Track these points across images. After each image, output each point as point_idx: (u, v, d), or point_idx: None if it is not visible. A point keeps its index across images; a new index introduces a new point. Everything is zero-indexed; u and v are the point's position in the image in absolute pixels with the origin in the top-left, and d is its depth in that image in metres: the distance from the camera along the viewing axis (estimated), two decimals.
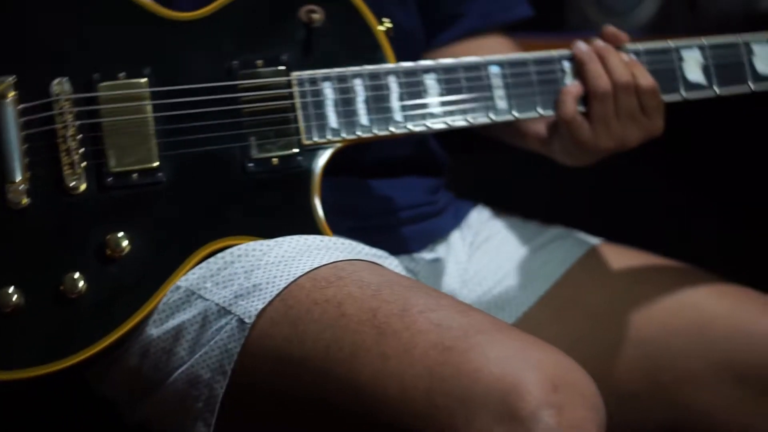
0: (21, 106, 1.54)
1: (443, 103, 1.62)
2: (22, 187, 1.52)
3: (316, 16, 1.61)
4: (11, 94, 1.53)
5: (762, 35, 1.71)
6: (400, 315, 1.39)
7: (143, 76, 1.57)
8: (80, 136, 1.54)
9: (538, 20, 1.91)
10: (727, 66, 1.69)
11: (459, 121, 1.63)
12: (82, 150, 1.54)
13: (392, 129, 1.61)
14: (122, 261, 1.53)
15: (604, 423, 1.36)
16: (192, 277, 1.54)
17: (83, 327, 1.51)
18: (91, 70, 1.56)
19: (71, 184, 1.53)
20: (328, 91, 1.60)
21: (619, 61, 1.63)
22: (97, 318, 1.52)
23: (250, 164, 1.57)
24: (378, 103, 1.60)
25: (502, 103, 1.64)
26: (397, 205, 1.74)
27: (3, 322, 1.50)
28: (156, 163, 1.55)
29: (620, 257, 1.80)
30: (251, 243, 1.54)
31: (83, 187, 1.54)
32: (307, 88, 1.59)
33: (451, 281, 1.77)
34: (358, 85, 1.60)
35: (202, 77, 1.58)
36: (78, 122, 1.54)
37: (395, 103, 1.61)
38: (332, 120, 1.59)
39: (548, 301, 1.77)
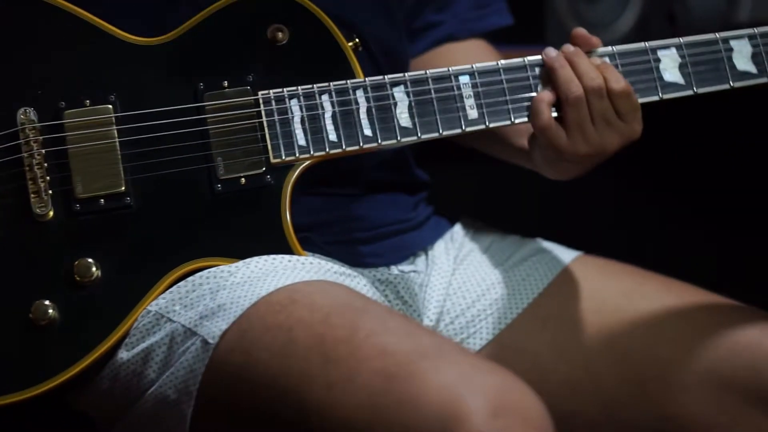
0: None
1: (413, 116, 1.60)
2: None
3: (280, 35, 1.61)
4: None
5: (741, 32, 1.67)
6: (347, 341, 1.39)
7: (108, 103, 1.57)
8: (46, 163, 1.54)
9: (518, 33, 1.89)
10: (706, 63, 1.66)
11: (430, 133, 1.61)
12: (48, 177, 1.54)
13: (361, 144, 1.59)
14: (92, 287, 1.53)
15: None
16: (162, 301, 1.54)
17: (53, 354, 1.51)
18: (57, 98, 1.57)
19: (39, 212, 1.54)
20: (295, 109, 1.59)
21: (589, 65, 1.60)
22: (68, 345, 1.52)
23: (218, 185, 1.57)
24: (346, 118, 1.59)
25: (473, 113, 1.62)
26: (373, 222, 1.72)
27: None
28: (123, 188, 1.55)
29: (604, 269, 1.78)
30: (221, 266, 1.54)
31: (51, 214, 1.54)
32: (274, 106, 1.59)
33: (435, 294, 1.75)
34: (326, 101, 1.59)
35: (167, 101, 1.58)
36: (44, 150, 1.55)
37: (364, 117, 1.60)
38: (300, 137, 1.58)
39: (534, 311, 1.75)
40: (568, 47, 1.62)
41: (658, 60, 1.65)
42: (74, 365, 1.51)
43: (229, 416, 1.48)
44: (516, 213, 2.03)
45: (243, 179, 1.57)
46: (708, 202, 2.34)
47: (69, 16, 1.60)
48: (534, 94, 1.62)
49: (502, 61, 1.63)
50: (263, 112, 1.58)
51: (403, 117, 1.60)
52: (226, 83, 1.59)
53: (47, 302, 1.51)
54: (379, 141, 1.60)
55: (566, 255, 1.81)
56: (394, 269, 1.72)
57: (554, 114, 1.60)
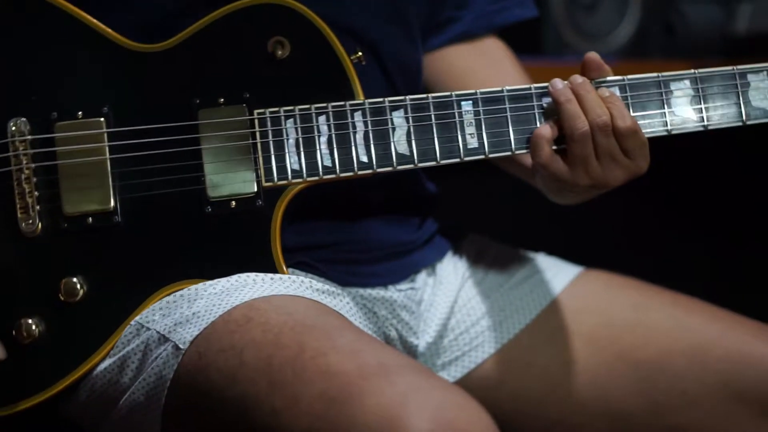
0: None
1: (411, 143, 1.56)
2: None
3: (280, 50, 1.56)
4: None
5: (759, 66, 1.61)
6: (292, 362, 1.40)
7: (101, 115, 1.54)
8: (36, 179, 1.53)
9: (516, 43, 1.83)
10: (720, 98, 1.60)
11: (428, 162, 1.57)
12: (37, 193, 1.53)
13: (356, 170, 1.56)
14: (77, 306, 1.53)
15: None
16: (143, 312, 1.54)
17: (35, 373, 1.52)
18: (50, 108, 1.54)
19: (26, 228, 1.52)
20: (291, 130, 1.55)
21: (596, 99, 1.55)
22: (50, 364, 1.52)
23: (208, 207, 1.54)
24: (342, 142, 1.55)
25: (473, 142, 1.57)
26: (375, 245, 1.69)
27: None
28: (111, 207, 1.53)
29: (610, 283, 1.78)
30: (203, 283, 1.54)
31: (38, 231, 1.53)
32: (269, 127, 1.55)
33: (439, 312, 1.74)
34: (323, 123, 1.56)
35: (161, 115, 1.55)
36: (33, 165, 1.53)
37: (360, 142, 1.56)
38: (293, 161, 1.55)
39: (540, 326, 1.74)
40: (576, 78, 1.57)
41: (670, 93, 1.59)
42: (53, 385, 1.52)
43: (195, 429, 1.50)
44: (521, 226, 2.01)
45: (233, 202, 1.55)
46: (712, 215, 2.30)
47: (64, 15, 1.56)
48: (537, 125, 1.57)
49: (507, 88, 1.58)
50: (258, 133, 1.55)
51: (401, 143, 1.56)
52: (222, 100, 1.55)
53: (31, 321, 1.51)
54: (375, 168, 1.56)
55: (571, 270, 1.80)
56: (392, 288, 1.70)
57: (557, 147, 1.56)
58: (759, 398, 1.66)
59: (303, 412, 1.37)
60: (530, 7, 1.85)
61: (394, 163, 1.56)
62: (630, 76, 1.60)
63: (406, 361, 1.42)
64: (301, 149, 1.55)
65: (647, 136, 1.57)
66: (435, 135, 1.57)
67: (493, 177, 1.84)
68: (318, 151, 1.55)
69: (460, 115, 1.57)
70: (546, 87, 1.58)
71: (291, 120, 1.55)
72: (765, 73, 1.61)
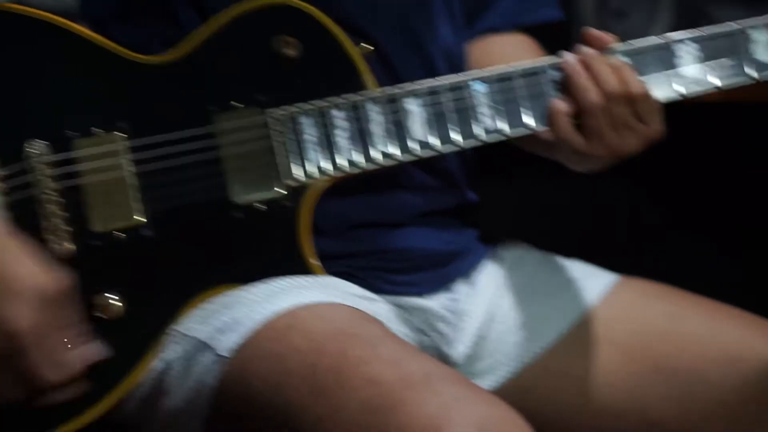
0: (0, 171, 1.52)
1: (428, 128, 1.57)
2: None
3: (289, 49, 1.57)
4: None
5: (761, 19, 1.63)
6: (335, 371, 1.41)
7: (119, 130, 1.54)
8: (61, 199, 1.52)
9: (544, 48, 1.83)
10: (726, 56, 1.62)
11: (449, 146, 1.58)
12: (63, 214, 1.52)
13: (378, 160, 1.56)
14: (115, 321, 1.52)
15: None
16: (182, 319, 1.54)
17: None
18: (66, 127, 1.54)
19: (57, 250, 1.52)
20: (309, 128, 1.56)
21: (606, 69, 1.56)
22: (94, 381, 1.51)
23: (235, 211, 1.55)
24: (360, 134, 1.56)
25: (490, 123, 1.58)
26: (414, 254, 1.68)
27: None
28: (140, 220, 1.53)
29: (647, 292, 1.77)
30: (240, 289, 1.54)
31: (68, 251, 1.52)
32: (286, 126, 1.56)
33: (475, 321, 1.73)
34: (338, 117, 1.56)
35: (178, 125, 1.55)
36: (57, 185, 1.52)
37: (378, 132, 1.57)
38: (314, 157, 1.56)
39: (576, 336, 1.73)
40: (585, 50, 1.58)
41: (676, 55, 1.61)
42: (98, 403, 1.52)
43: None
44: (557, 232, 2.01)
45: (260, 204, 1.55)
46: (727, 212, 2.31)
47: (73, 36, 1.57)
48: (552, 99, 1.58)
49: (518, 66, 1.59)
50: (276, 134, 1.55)
51: (419, 130, 1.57)
52: (236, 104, 1.56)
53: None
54: (398, 157, 1.57)
55: (607, 278, 1.79)
56: (428, 297, 1.69)
57: (575, 121, 1.58)
58: None
59: (346, 421, 1.38)
60: (556, 9, 1.85)
61: (417, 151, 1.57)
62: (635, 41, 1.61)
63: (448, 371, 1.44)
64: (321, 145, 1.56)
65: (660, 101, 1.59)
66: (452, 119, 1.58)
67: (530, 183, 1.86)
68: (338, 146, 1.56)
69: (474, 97, 1.58)
70: (555, 61, 1.60)
71: (307, 117, 1.56)
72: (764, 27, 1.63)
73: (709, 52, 1.62)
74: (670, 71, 1.61)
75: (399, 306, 1.66)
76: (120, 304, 1.52)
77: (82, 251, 1.53)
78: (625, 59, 1.60)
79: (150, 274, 1.54)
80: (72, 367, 1.47)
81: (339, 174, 1.56)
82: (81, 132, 1.54)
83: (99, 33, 1.58)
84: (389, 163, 1.57)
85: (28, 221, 1.52)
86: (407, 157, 1.57)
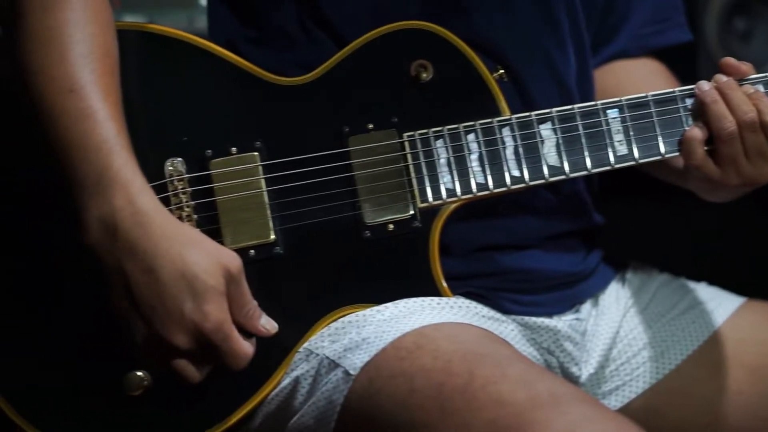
0: None
1: (561, 154, 1.58)
2: None
3: (424, 73, 1.58)
4: None
5: None
6: (463, 390, 1.41)
7: (254, 150, 1.56)
8: (196, 216, 1.55)
9: (670, 70, 1.83)
10: None
11: (579, 171, 1.58)
12: (198, 230, 1.54)
13: (509, 185, 1.57)
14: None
15: None
16: (311, 338, 1.56)
17: (209, 407, 1.54)
18: (203, 146, 1.56)
19: None
20: (441, 150, 1.57)
21: (742, 97, 1.55)
22: (223, 396, 1.54)
23: (366, 231, 1.56)
24: (493, 158, 1.57)
25: (622, 149, 1.58)
26: (540, 276, 1.68)
27: (133, 405, 1.53)
28: (272, 238, 1.55)
29: None
30: (370, 309, 1.56)
31: None
32: (420, 148, 1.57)
33: (601, 342, 1.73)
34: (472, 140, 1.57)
35: (312, 145, 1.57)
36: (193, 202, 1.55)
37: (511, 157, 1.57)
38: (447, 179, 1.57)
39: (701, 358, 1.73)
40: (721, 78, 1.57)
41: None
42: (228, 418, 1.54)
43: None
44: (683, 254, 2.00)
45: (391, 225, 1.56)
46: None
47: (214, 57, 1.59)
48: (685, 128, 1.58)
49: (652, 93, 1.59)
50: (409, 156, 1.57)
51: (551, 155, 1.58)
52: (371, 125, 1.57)
53: None
54: (528, 181, 1.57)
55: (733, 301, 1.78)
56: (556, 318, 1.69)
57: (708, 148, 1.57)
58: None
59: None
60: (686, 31, 1.85)
61: (546, 176, 1.58)
62: None
63: (575, 391, 1.43)
64: (453, 168, 1.57)
65: None
66: (584, 145, 1.58)
67: (655, 205, 1.84)
68: (470, 169, 1.57)
69: (607, 123, 1.58)
70: (689, 89, 1.59)
71: (440, 140, 1.57)
72: None
73: None
74: None
75: (526, 326, 1.67)
76: None
77: None
78: (761, 87, 1.58)
79: (280, 292, 1.56)
80: (241, 359, 1.46)
81: (469, 197, 1.57)
82: (218, 152, 1.56)
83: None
84: (519, 187, 1.58)
85: None
86: (537, 182, 1.58)
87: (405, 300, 1.56)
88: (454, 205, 1.57)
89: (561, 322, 1.69)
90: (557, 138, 1.58)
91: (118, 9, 2.08)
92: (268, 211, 1.55)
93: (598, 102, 1.59)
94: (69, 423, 1.55)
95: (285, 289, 1.56)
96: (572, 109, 1.58)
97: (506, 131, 1.58)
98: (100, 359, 1.54)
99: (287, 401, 1.56)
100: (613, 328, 1.74)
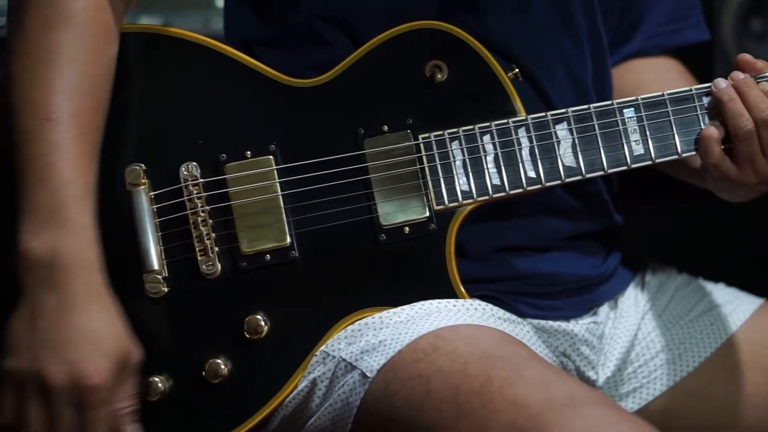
0: (152, 193, 1.55)
1: (577, 154, 1.57)
2: (160, 275, 1.54)
3: (439, 74, 1.57)
4: (143, 182, 1.54)
5: None
6: (480, 392, 1.40)
7: (269, 153, 1.56)
8: (211, 220, 1.55)
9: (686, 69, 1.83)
10: None
11: (595, 172, 1.57)
12: (214, 235, 1.54)
13: (525, 186, 1.56)
14: (261, 342, 1.54)
15: None
16: (329, 341, 1.56)
17: (226, 412, 1.53)
18: (218, 150, 1.56)
19: (206, 270, 1.54)
20: (457, 152, 1.56)
21: (759, 95, 1.54)
22: (240, 401, 1.54)
23: (382, 235, 1.55)
24: (508, 159, 1.56)
25: (639, 148, 1.57)
26: (559, 280, 1.67)
27: (150, 410, 1.52)
28: (288, 242, 1.55)
29: None
30: (387, 311, 1.55)
31: (218, 271, 1.54)
32: (435, 150, 1.56)
33: (619, 345, 1.73)
34: (488, 142, 1.56)
35: (327, 148, 1.56)
36: (208, 207, 1.55)
37: (527, 158, 1.56)
38: (462, 182, 1.56)
39: (719, 360, 1.72)
40: (738, 75, 1.56)
41: None
42: (245, 422, 1.53)
43: None
44: (702, 255, 1.99)
45: (407, 228, 1.56)
46: None
47: (229, 59, 1.59)
48: (702, 126, 1.56)
49: (668, 92, 1.58)
50: (425, 158, 1.56)
51: (567, 156, 1.57)
52: (386, 127, 1.57)
53: (219, 360, 1.53)
54: (544, 182, 1.56)
55: (752, 302, 1.77)
56: (573, 322, 1.68)
57: (724, 147, 1.55)
58: None
59: None
60: (704, 30, 1.84)
61: (562, 176, 1.57)
62: None
63: (593, 394, 1.42)
64: (469, 170, 1.56)
65: None
66: (600, 145, 1.57)
67: (673, 205, 1.83)
68: (486, 171, 1.56)
69: (623, 122, 1.57)
70: (706, 87, 1.58)
71: (456, 142, 1.56)
72: None
73: None
74: None
75: (543, 329, 1.66)
76: (267, 324, 1.54)
77: (231, 271, 1.55)
78: None
79: (296, 296, 1.55)
80: None
81: (485, 199, 1.56)
82: (233, 155, 1.56)
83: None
84: (535, 188, 1.57)
85: (182, 241, 1.55)
86: (553, 183, 1.57)
87: (421, 302, 1.55)
88: (469, 207, 1.56)
89: (578, 326, 1.68)
90: (573, 138, 1.57)
91: (135, 10, 2.08)
92: (284, 215, 1.55)
93: (614, 101, 1.58)
94: None
95: (301, 293, 1.55)
96: (588, 108, 1.57)
97: (522, 132, 1.57)
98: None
99: (304, 404, 1.56)
100: (632, 331, 1.73)
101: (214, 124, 1.57)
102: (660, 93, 1.58)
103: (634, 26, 1.79)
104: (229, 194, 1.55)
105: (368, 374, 1.50)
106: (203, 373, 1.53)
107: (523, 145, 1.57)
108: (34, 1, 1.46)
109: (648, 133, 1.57)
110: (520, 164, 1.56)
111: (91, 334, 1.40)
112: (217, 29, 1.67)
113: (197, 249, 1.54)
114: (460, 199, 1.56)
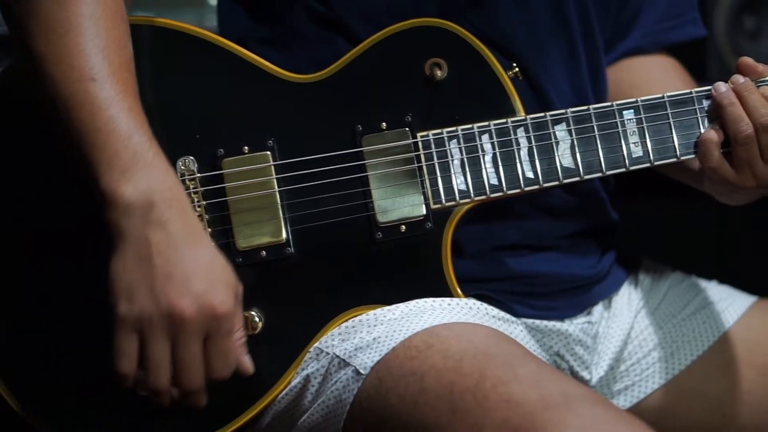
0: None
1: (575, 156, 1.56)
2: None
3: (438, 72, 1.56)
4: None
5: None
6: (474, 390, 1.39)
7: (267, 149, 1.55)
8: (207, 215, 1.54)
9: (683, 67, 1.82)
10: None
11: (593, 174, 1.57)
12: (210, 230, 1.54)
13: (523, 187, 1.56)
14: (257, 338, 1.53)
15: None
16: (322, 338, 1.55)
17: (219, 408, 1.52)
18: (215, 145, 1.55)
19: None
20: (455, 151, 1.56)
21: (759, 99, 1.54)
22: (234, 397, 1.53)
23: (378, 233, 1.55)
24: (507, 159, 1.56)
25: (637, 150, 1.57)
26: (554, 280, 1.67)
27: (138, 404, 1.51)
28: (284, 238, 1.54)
29: None
30: (381, 309, 1.55)
31: None
32: (433, 149, 1.55)
33: (612, 345, 1.73)
34: (486, 141, 1.56)
35: (325, 144, 1.55)
36: (205, 202, 1.54)
37: (525, 158, 1.56)
38: (460, 181, 1.55)
39: (712, 358, 1.72)
40: (738, 79, 1.56)
41: None
42: (238, 419, 1.53)
43: None
44: (695, 253, 1.99)
45: (403, 226, 1.55)
46: None
47: (224, 52, 1.58)
48: (701, 129, 1.56)
49: (668, 94, 1.57)
50: (422, 156, 1.55)
51: (565, 157, 1.56)
52: (384, 125, 1.56)
53: None
54: (541, 183, 1.56)
55: (745, 300, 1.77)
56: (568, 322, 1.68)
57: (724, 150, 1.55)
58: None
59: None
60: (700, 26, 1.83)
61: (560, 177, 1.56)
62: None
63: (587, 392, 1.42)
64: (467, 169, 1.55)
65: None
66: (599, 146, 1.56)
67: (668, 203, 1.83)
68: (483, 170, 1.55)
69: (623, 124, 1.57)
70: (706, 90, 1.57)
71: (454, 140, 1.56)
72: None
73: None
74: None
75: (537, 329, 1.66)
76: (262, 321, 1.53)
77: None
78: None
79: (292, 293, 1.55)
80: (231, 368, 1.45)
81: (482, 198, 1.56)
82: (230, 150, 1.55)
83: None
84: (532, 189, 1.56)
85: None
86: (551, 183, 1.56)
87: (416, 300, 1.55)
88: (466, 207, 1.56)
89: (572, 326, 1.68)
90: (572, 139, 1.56)
91: (130, 7, 2.06)
92: (281, 212, 1.54)
93: (614, 103, 1.57)
94: (76, 422, 1.54)
95: (296, 289, 1.55)
96: (587, 109, 1.57)
97: (521, 132, 1.56)
98: (109, 358, 1.53)
99: (297, 400, 1.55)
100: (625, 330, 1.73)
101: (212, 119, 1.56)
102: (660, 95, 1.57)
103: (630, 23, 1.78)
104: (225, 189, 1.54)
105: (362, 371, 1.49)
106: None
107: (521, 145, 1.56)
108: None
109: (647, 135, 1.57)
110: (518, 164, 1.56)
111: (209, 265, 1.41)
112: (210, 27, 1.67)
113: None
114: (458, 198, 1.55)
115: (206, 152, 1.55)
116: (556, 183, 1.56)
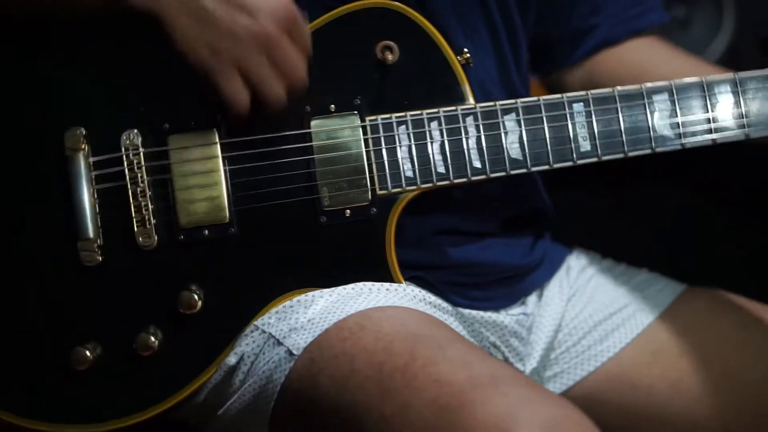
0: (92, 159, 1.52)
1: (524, 147, 1.55)
2: (95, 244, 1.51)
3: (390, 55, 1.55)
4: (82, 146, 1.51)
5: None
6: (403, 370, 1.40)
7: (213, 126, 1.53)
8: (150, 192, 1.52)
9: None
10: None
11: (540, 165, 1.56)
12: (152, 206, 1.52)
13: (470, 176, 1.55)
14: (195, 317, 1.52)
15: None
16: (261, 317, 1.55)
17: (155, 385, 1.52)
18: (162, 119, 1.53)
19: (143, 242, 1.52)
20: (403, 137, 1.55)
21: None
22: (170, 375, 1.52)
23: (323, 217, 1.54)
24: (455, 147, 1.55)
25: (585, 144, 1.56)
26: (489, 269, 1.68)
27: (79, 379, 1.51)
28: (227, 218, 1.53)
29: (715, 301, 1.76)
30: (320, 291, 1.54)
31: (155, 243, 1.52)
32: (381, 133, 1.54)
33: (544, 335, 1.74)
34: (435, 128, 1.55)
35: (273, 124, 1.54)
36: (148, 178, 1.52)
37: (473, 147, 1.55)
38: (407, 168, 1.54)
39: (642, 345, 1.73)
40: None
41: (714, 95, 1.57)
42: (172, 396, 1.53)
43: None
44: (625, 239, 1.99)
45: (348, 211, 1.54)
46: None
47: None
48: (649, 124, 1.56)
49: (619, 88, 1.57)
50: (370, 140, 1.54)
51: (513, 148, 1.56)
52: (333, 107, 1.55)
53: (151, 333, 1.51)
54: (488, 173, 1.55)
55: (675, 287, 1.78)
56: (503, 313, 1.69)
57: None
58: None
59: (413, 420, 1.36)
60: (663, 12, 1.84)
61: (507, 168, 1.56)
62: (676, 81, 1.58)
63: (516, 374, 1.43)
64: (414, 156, 1.54)
65: (693, 144, 1.57)
66: (547, 138, 1.56)
67: (599, 189, 1.83)
68: (431, 158, 1.55)
69: (572, 116, 1.56)
70: (658, 86, 1.56)
71: (403, 126, 1.55)
72: None
73: (745, 95, 1.58)
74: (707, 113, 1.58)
75: (474, 320, 1.66)
76: (200, 300, 1.52)
77: (167, 244, 1.52)
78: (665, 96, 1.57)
79: (232, 273, 1.53)
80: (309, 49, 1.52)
81: (429, 186, 1.55)
82: (177, 126, 1.53)
83: None
84: (480, 178, 1.56)
85: (119, 211, 1.52)
86: (498, 174, 1.56)
87: (353, 284, 1.54)
88: (412, 194, 1.55)
89: (508, 318, 1.69)
90: (521, 130, 1.56)
91: None
92: (224, 191, 1.53)
93: (564, 95, 1.57)
94: (15, 397, 1.53)
95: (238, 270, 1.54)
96: (537, 100, 1.56)
97: (470, 120, 1.56)
98: (48, 333, 1.52)
99: (227, 379, 1.54)
100: (557, 319, 1.74)
101: (161, 92, 1.54)
102: (610, 89, 1.57)
103: (592, 16, 1.78)
104: (170, 166, 1.53)
105: (294, 352, 1.49)
106: (134, 345, 1.51)
107: (470, 134, 1.55)
108: None
109: (596, 128, 1.56)
110: (466, 153, 1.55)
111: None
112: None
113: (135, 220, 1.52)
114: (404, 185, 1.54)
115: (152, 126, 1.53)
116: (503, 174, 1.56)
